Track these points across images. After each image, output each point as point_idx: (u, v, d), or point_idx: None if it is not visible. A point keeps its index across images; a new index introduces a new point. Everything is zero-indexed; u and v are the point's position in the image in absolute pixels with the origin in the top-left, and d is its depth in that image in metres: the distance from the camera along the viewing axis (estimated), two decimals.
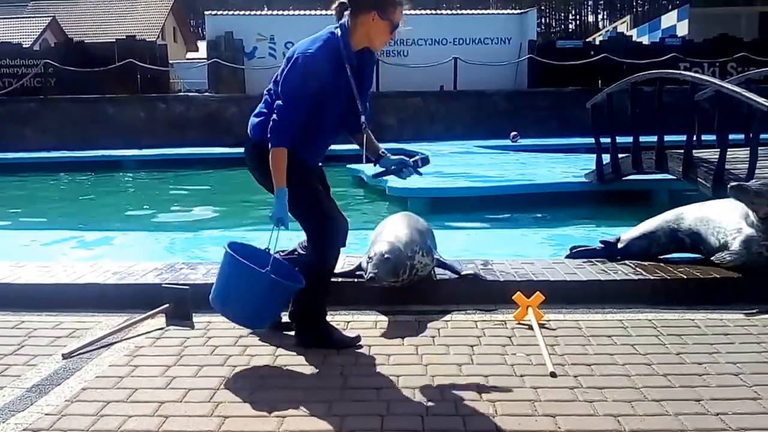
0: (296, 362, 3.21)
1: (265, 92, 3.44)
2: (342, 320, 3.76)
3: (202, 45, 36.25)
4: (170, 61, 25.28)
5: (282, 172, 3.21)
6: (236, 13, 27.98)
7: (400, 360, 3.21)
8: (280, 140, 3.20)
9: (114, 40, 22.71)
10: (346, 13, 3.33)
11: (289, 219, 3.26)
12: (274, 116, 3.21)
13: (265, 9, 36.34)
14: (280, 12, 31.31)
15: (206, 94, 22.21)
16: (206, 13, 25.21)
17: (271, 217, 3.22)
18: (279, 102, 3.22)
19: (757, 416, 2.60)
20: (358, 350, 3.34)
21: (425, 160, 3.54)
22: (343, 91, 3.33)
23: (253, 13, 28.29)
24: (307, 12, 28.66)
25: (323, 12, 29.25)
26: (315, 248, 3.39)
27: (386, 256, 3.75)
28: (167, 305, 3.75)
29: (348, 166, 13.06)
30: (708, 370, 3.04)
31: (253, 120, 3.44)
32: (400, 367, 3.12)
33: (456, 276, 4.17)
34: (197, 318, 3.74)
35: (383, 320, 3.80)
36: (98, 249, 5.90)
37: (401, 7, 3.36)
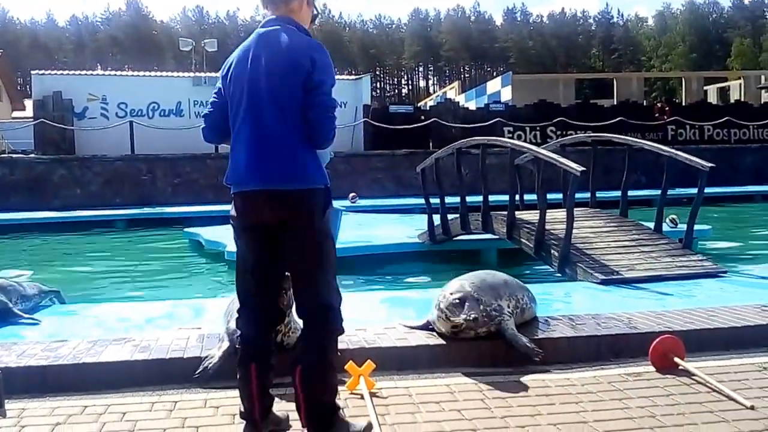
0: None
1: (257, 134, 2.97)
2: (169, 400, 3.60)
3: (29, 103, 34.46)
4: None
5: None
6: (66, 72, 26.93)
7: None
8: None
9: None
10: (266, 11, 3.16)
11: None
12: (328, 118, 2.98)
13: (99, 68, 35.30)
14: (113, 72, 30.48)
15: (32, 155, 21.02)
16: (33, 72, 24.02)
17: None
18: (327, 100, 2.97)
19: None
20: None
21: None
22: None
23: (83, 72, 27.35)
24: (142, 73, 28.06)
25: (160, 73, 28.78)
26: (336, 312, 3.05)
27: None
28: None
29: (185, 230, 12.75)
30: None
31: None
32: None
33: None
34: (10, 404, 3.45)
35: (214, 398, 3.66)
36: None
37: None
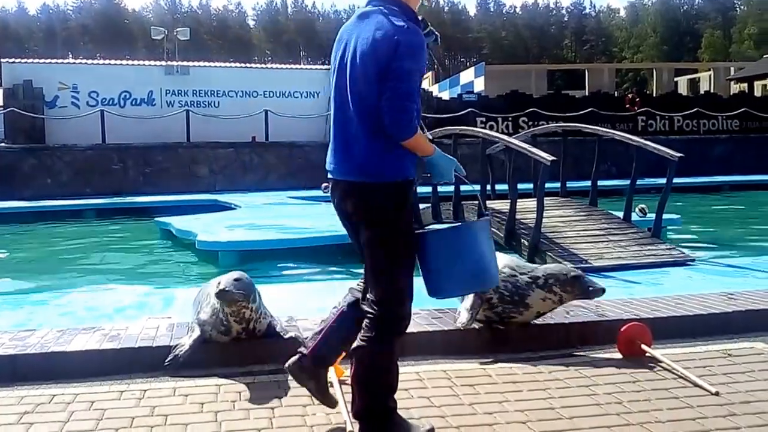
0: None
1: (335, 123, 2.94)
2: (138, 389, 3.59)
3: None
4: None
5: (428, 143, 2.86)
6: (36, 61, 26.53)
7: (198, 429, 3.10)
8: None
9: None
10: None
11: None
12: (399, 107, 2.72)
13: (70, 57, 34.86)
14: (84, 61, 30.10)
15: (2, 144, 20.71)
16: (3, 60, 23.61)
17: (442, 173, 2.92)
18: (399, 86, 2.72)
19: None
20: (151, 422, 3.18)
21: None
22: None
23: (54, 61, 26.97)
24: (113, 62, 27.72)
25: (132, 62, 28.45)
26: (388, 311, 2.90)
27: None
28: None
29: (156, 219, 12.65)
30: (498, 420, 3.18)
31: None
32: None
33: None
34: None
35: (183, 386, 3.65)
36: None
37: None
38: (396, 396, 3.45)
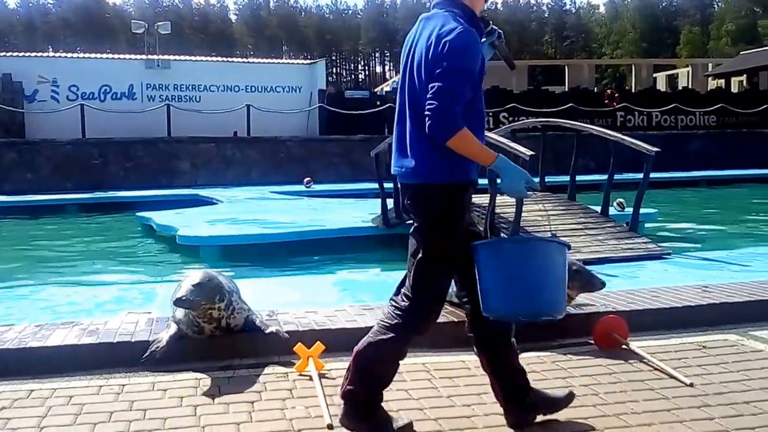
0: None
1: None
2: (117, 384, 3.59)
3: None
4: None
5: (484, 149, 2.77)
6: (16, 54, 26.26)
7: (177, 423, 3.10)
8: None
9: None
10: None
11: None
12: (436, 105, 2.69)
13: (50, 51, 34.49)
14: (65, 55, 29.84)
15: None
16: None
17: (510, 187, 2.81)
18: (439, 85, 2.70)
19: None
20: (130, 417, 3.18)
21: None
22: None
23: (34, 55, 26.70)
24: (93, 55, 27.50)
25: (112, 56, 28.23)
26: (411, 308, 2.92)
27: None
28: None
29: (137, 214, 12.60)
30: (476, 412, 3.21)
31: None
32: None
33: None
34: None
35: (162, 381, 3.65)
36: None
37: None
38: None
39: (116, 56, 27.50)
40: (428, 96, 2.71)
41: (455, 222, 2.85)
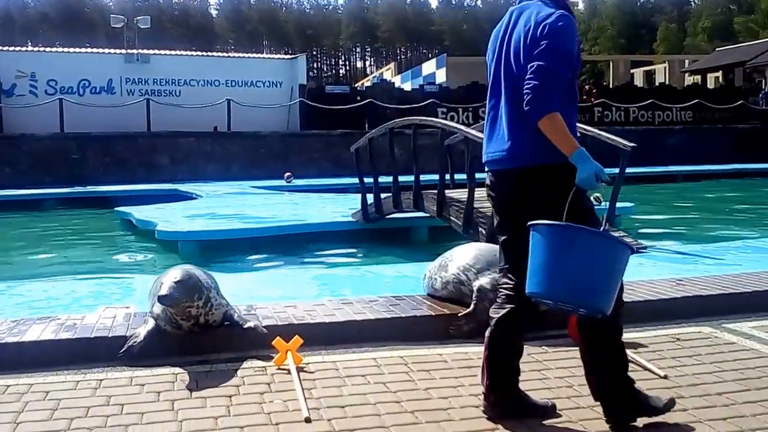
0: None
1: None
2: (94, 379, 3.58)
3: None
4: None
5: (569, 137, 2.75)
6: None
7: (154, 418, 3.10)
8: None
9: None
10: None
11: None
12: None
13: (29, 45, 34.11)
14: (43, 49, 29.57)
15: None
16: None
17: (584, 180, 2.74)
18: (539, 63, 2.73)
19: None
20: (107, 412, 3.18)
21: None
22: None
23: (11, 49, 26.42)
24: (72, 50, 27.24)
25: (91, 50, 27.97)
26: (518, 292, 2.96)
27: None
28: None
29: (116, 209, 12.54)
30: (452, 404, 3.23)
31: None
32: (152, 426, 3.01)
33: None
34: None
35: (140, 376, 3.65)
36: None
37: None
38: (353, 382, 3.51)
39: (95, 50, 27.32)
40: (528, 75, 2.73)
41: (558, 203, 2.77)
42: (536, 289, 2.75)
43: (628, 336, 4.20)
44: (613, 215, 7.92)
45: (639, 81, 43.75)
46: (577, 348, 3.98)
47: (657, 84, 37.52)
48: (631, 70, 46.08)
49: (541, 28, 2.77)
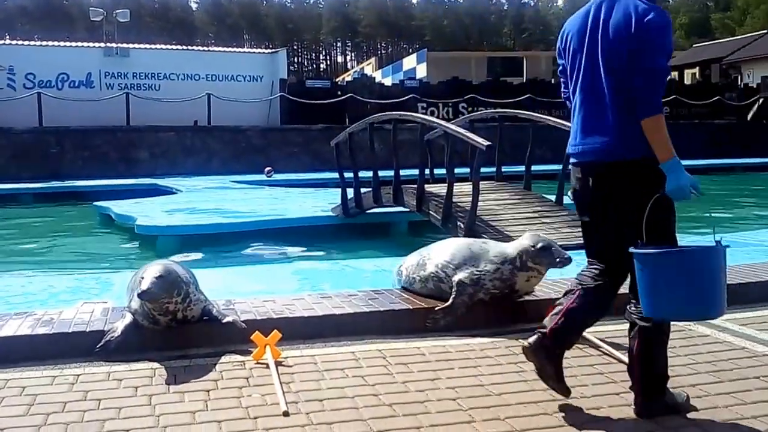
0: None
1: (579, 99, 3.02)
2: (71, 374, 3.56)
3: None
4: None
5: (669, 141, 2.81)
6: None
7: (132, 413, 3.09)
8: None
9: None
10: None
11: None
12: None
13: (7, 38, 33.74)
14: (21, 42, 29.25)
15: None
16: None
17: (676, 190, 2.76)
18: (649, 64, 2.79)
19: None
20: (84, 407, 3.17)
21: None
22: None
23: None
24: (51, 43, 26.97)
25: (70, 43, 27.71)
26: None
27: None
28: None
29: (95, 203, 12.46)
30: (429, 397, 3.26)
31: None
32: (130, 421, 3.00)
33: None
34: None
35: (118, 371, 3.64)
36: None
37: None
38: (331, 376, 3.53)
39: (74, 44, 27.03)
40: (637, 74, 2.79)
41: (643, 201, 2.80)
42: (660, 315, 2.86)
43: (604, 328, 4.26)
44: None
45: None
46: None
47: None
48: None
49: (645, 24, 2.79)
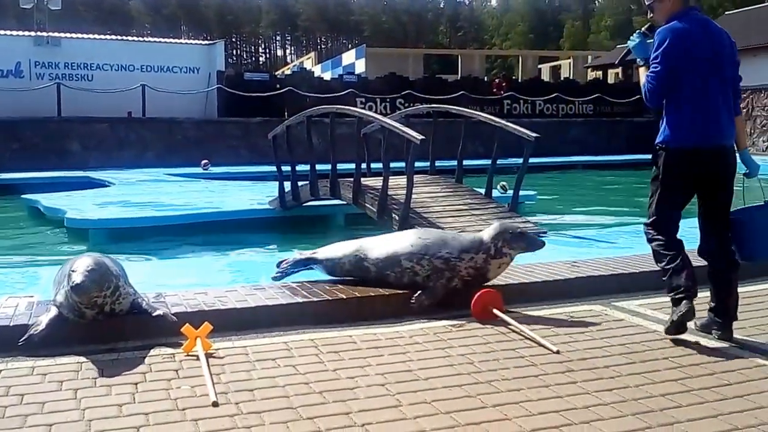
0: None
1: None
2: None
3: None
4: None
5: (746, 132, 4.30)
6: None
7: (56, 407, 3.04)
8: None
9: None
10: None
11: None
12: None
13: None
14: None
15: None
16: None
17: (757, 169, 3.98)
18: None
19: (397, 423, 2.89)
20: (5, 402, 3.12)
21: None
22: None
23: None
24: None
25: (21, 33, 26.79)
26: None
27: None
28: None
29: (23, 196, 12.15)
30: (359, 384, 3.31)
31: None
32: (54, 415, 2.95)
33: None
34: None
35: (42, 365, 3.57)
36: None
37: None
38: (263, 366, 3.57)
39: (3, 32, 26.11)
40: (737, 81, 3.97)
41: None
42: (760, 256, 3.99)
43: (526, 313, 4.42)
44: (516, 202, 8.23)
45: (546, 75, 44.94)
46: (479, 326, 4.17)
47: (562, 78, 38.63)
48: (539, 65, 47.56)
49: (733, 44, 3.96)
